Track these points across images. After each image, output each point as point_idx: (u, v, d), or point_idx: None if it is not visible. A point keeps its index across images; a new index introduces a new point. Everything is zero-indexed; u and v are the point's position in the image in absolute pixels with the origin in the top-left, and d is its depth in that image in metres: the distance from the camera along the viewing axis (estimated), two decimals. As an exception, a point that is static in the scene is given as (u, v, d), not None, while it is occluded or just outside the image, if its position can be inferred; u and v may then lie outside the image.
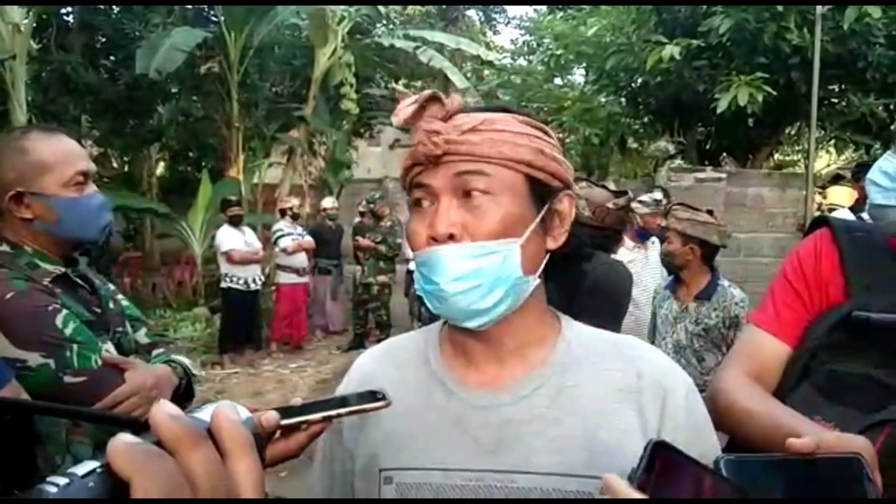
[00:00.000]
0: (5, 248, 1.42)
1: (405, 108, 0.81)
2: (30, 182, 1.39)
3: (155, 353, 1.62)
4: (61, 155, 1.42)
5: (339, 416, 0.72)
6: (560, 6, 11.37)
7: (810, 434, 0.66)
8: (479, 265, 0.79)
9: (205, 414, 0.46)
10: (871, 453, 0.67)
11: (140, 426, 0.43)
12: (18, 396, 1.16)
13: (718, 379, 1.17)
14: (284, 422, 0.68)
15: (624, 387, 0.84)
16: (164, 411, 0.42)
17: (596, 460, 0.79)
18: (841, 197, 8.05)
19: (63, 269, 1.46)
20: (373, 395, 0.75)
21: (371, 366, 0.97)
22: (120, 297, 1.67)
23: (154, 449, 0.41)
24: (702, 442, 0.83)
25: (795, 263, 1.18)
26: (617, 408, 0.83)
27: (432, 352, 0.93)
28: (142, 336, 1.64)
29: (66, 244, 1.48)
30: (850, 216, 4.63)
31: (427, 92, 0.82)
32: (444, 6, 17.06)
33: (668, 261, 3.10)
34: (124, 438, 0.40)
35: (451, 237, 0.79)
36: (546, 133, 0.86)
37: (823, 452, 0.63)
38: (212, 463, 0.42)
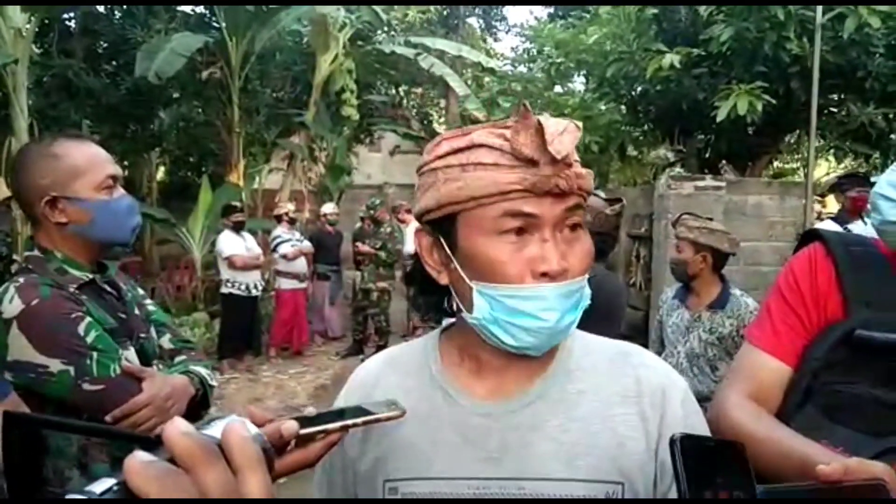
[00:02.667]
0: (37, 253, 1.46)
1: (562, 138, 0.75)
2: (63, 187, 1.42)
3: (177, 359, 1.63)
4: (91, 159, 1.46)
5: (355, 425, 0.73)
6: (560, 14, 11.40)
7: (823, 460, 0.66)
8: (576, 301, 0.81)
9: (214, 430, 0.47)
10: (893, 478, 0.66)
11: (153, 442, 0.44)
12: (18, 410, 1.16)
13: (720, 403, 1.16)
14: (303, 431, 0.68)
15: (625, 392, 0.85)
16: (178, 428, 0.44)
17: (600, 465, 0.80)
18: (832, 206, 8.06)
19: (91, 276, 1.48)
20: (387, 405, 0.75)
21: (372, 374, 0.97)
22: (147, 302, 1.71)
23: (169, 467, 0.42)
24: None
25: (790, 279, 1.17)
26: (619, 413, 0.84)
27: (433, 360, 0.92)
28: (166, 342, 1.66)
29: (98, 247, 1.51)
30: (836, 227, 4.61)
31: (572, 122, 0.78)
32: (444, 13, 17.12)
33: (679, 270, 3.09)
34: (140, 456, 0.42)
35: (565, 272, 0.78)
36: None
37: (849, 479, 0.63)
38: (225, 479, 0.43)
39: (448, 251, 0.83)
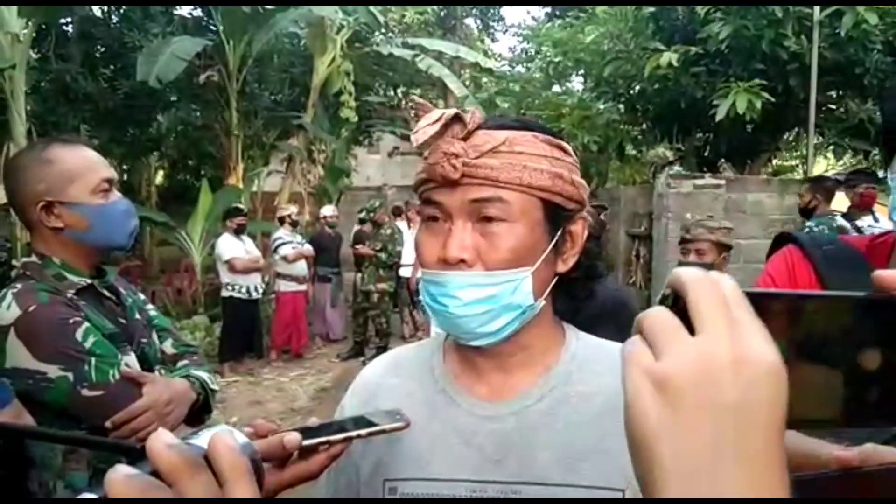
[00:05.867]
0: (34, 259, 1.45)
1: (427, 128, 0.78)
2: (58, 192, 1.41)
3: (179, 364, 1.62)
4: (86, 163, 1.45)
5: (358, 436, 0.72)
6: (557, 14, 11.40)
7: (831, 450, 0.65)
8: (490, 293, 0.79)
9: (202, 440, 0.46)
10: None
11: (137, 454, 0.43)
12: (20, 417, 1.16)
13: None
14: (306, 442, 0.68)
15: None
16: (162, 440, 0.42)
17: (600, 471, 0.79)
18: (839, 202, 8.05)
19: (88, 281, 1.47)
20: (391, 416, 0.75)
21: (376, 377, 0.97)
22: (149, 307, 1.69)
23: (152, 481, 0.41)
24: None
25: (769, 282, 1.17)
26: (623, 418, 0.81)
27: (437, 362, 0.93)
28: (168, 346, 1.65)
29: (95, 251, 1.50)
30: (845, 223, 4.62)
31: (451, 111, 0.79)
32: (442, 14, 17.13)
33: None
34: (122, 470, 0.41)
35: (463, 261, 0.79)
36: (565, 151, 0.85)
37: (866, 464, 0.63)
38: (210, 493, 0.42)
39: None
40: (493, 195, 0.78)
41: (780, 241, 1.24)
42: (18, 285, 1.39)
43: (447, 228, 0.81)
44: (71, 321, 1.36)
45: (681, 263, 3.10)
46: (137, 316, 1.60)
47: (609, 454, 0.79)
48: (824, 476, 0.62)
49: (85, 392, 1.33)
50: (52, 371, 1.31)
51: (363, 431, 0.72)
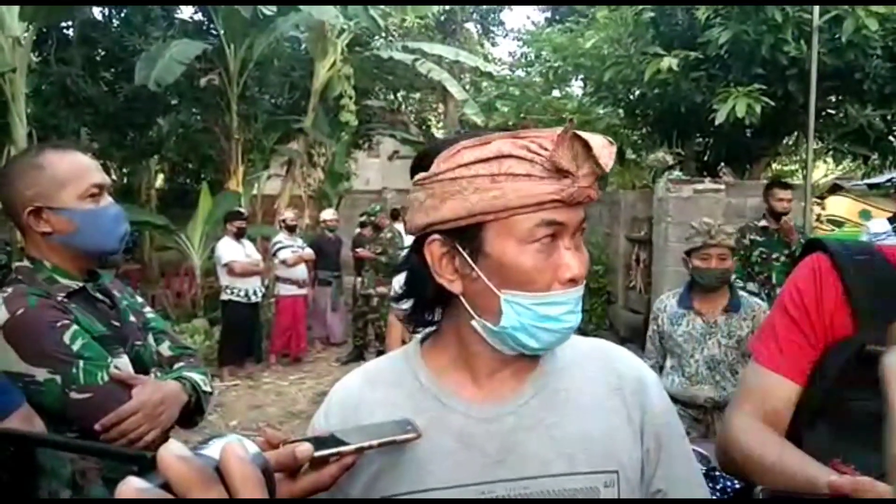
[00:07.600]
0: (26, 263, 1.46)
1: (606, 152, 0.78)
2: (48, 197, 1.42)
3: (176, 366, 1.62)
4: (76, 169, 1.46)
5: (370, 447, 0.72)
6: (557, 19, 11.42)
7: (829, 478, 0.66)
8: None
9: (212, 450, 0.46)
10: None
11: (148, 461, 0.43)
12: (31, 421, 1.16)
13: (729, 426, 1.12)
14: (318, 454, 0.67)
15: (608, 385, 0.90)
16: (173, 452, 0.42)
17: (596, 457, 0.85)
18: (839, 207, 8.05)
19: (80, 284, 1.47)
20: (402, 427, 0.75)
21: (353, 392, 0.93)
22: (146, 310, 1.69)
23: (163, 494, 0.41)
24: (675, 425, 0.93)
25: (794, 295, 1.11)
26: (607, 405, 0.89)
27: (420, 369, 0.91)
28: (164, 349, 1.64)
29: (85, 256, 1.50)
30: (887, 226, 4.60)
31: (607, 138, 0.80)
32: (442, 18, 17.15)
33: (724, 278, 3.01)
34: (133, 483, 0.40)
35: (583, 276, 0.83)
36: None
37: (857, 495, 0.63)
38: None
39: (469, 260, 0.82)
40: (585, 213, 0.83)
41: (810, 247, 1.17)
42: (9, 289, 1.39)
43: (558, 247, 0.82)
44: (59, 324, 1.36)
45: (696, 269, 3.01)
46: (132, 318, 1.59)
47: (599, 441, 0.86)
48: (814, 499, 0.63)
49: (74, 395, 1.32)
50: (41, 374, 1.31)
51: (375, 442, 0.72)
